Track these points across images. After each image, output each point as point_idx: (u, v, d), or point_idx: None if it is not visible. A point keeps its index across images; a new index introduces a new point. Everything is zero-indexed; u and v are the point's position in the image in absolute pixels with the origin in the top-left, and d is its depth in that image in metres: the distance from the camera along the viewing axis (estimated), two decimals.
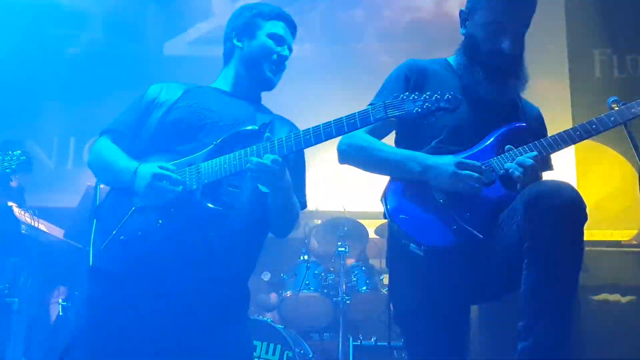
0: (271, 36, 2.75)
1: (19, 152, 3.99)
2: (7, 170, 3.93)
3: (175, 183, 2.36)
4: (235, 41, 2.81)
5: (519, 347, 2.16)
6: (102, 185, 4.74)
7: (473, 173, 2.42)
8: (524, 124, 2.63)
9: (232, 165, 2.38)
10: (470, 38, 2.72)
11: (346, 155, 2.68)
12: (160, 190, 2.35)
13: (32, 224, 4.76)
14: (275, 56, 2.74)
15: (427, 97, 2.30)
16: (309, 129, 2.37)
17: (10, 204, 4.69)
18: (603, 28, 6.22)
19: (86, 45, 6.81)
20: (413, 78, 2.73)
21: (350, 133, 2.65)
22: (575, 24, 6.41)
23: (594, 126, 2.53)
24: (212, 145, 2.44)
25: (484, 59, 2.67)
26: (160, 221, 2.35)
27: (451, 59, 2.85)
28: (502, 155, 2.53)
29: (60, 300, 4.61)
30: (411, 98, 2.30)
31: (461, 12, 2.78)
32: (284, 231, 2.69)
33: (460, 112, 2.59)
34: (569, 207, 2.18)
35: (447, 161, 2.46)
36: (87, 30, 6.89)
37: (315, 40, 6.60)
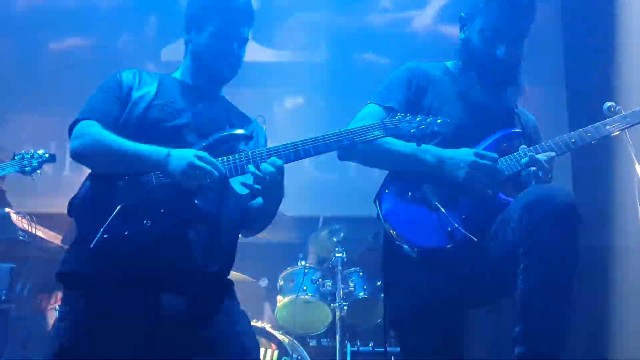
0: (216, 33, 2.60)
1: (44, 150, 4.03)
2: (27, 169, 3.96)
3: (215, 166, 2.31)
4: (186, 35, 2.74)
5: (515, 352, 2.17)
6: None
7: (491, 164, 2.44)
8: (520, 130, 2.65)
9: (227, 169, 2.35)
10: (467, 43, 2.73)
11: (348, 151, 2.65)
12: (203, 169, 2.27)
13: (29, 229, 4.76)
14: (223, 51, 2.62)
15: (422, 119, 2.35)
16: (306, 139, 2.36)
17: (7, 210, 4.69)
18: (600, 36, 6.23)
19: (84, 50, 6.81)
20: (415, 83, 2.74)
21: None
22: (572, 30, 6.43)
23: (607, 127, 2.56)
24: (203, 146, 2.41)
25: (479, 64, 2.68)
26: (148, 222, 2.28)
27: (450, 64, 2.86)
28: (502, 159, 2.54)
29: (57, 307, 4.59)
30: (407, 119, 2.36)
31: (460, 17, 2.79)
32: (254, 233, 2.70)
33: (456, 117, 2.61)
34: (564, 212, 2.18)
35: (465, 152, 2.47)
36: (85, 36, 6.89)
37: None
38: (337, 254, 5.15)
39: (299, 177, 4.82)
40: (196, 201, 2.34)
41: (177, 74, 2.74)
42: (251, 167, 2.33)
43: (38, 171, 4.09)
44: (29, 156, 4.01)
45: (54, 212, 5.68)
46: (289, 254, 5.34)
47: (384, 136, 2.36)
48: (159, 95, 2.56)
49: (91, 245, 2.22)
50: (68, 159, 6.43)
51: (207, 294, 2.41)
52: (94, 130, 2.43)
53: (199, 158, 2.28)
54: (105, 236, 2.23)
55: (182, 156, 2.29)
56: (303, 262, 5.24)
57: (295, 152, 2.35)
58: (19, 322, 4.27)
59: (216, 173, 2.28)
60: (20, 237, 4.74)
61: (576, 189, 5.76)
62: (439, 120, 2.36)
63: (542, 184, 2.44)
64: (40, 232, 4.93)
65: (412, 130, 2.34)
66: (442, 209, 2.45)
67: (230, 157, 2.38)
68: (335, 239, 5.33)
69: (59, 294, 5.15)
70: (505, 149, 2.58)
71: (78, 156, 2.47)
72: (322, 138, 2.36)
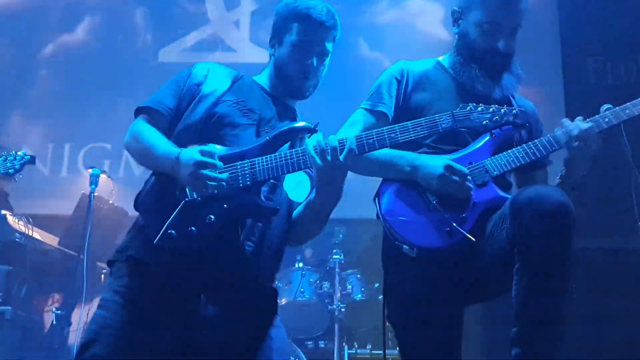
0: (296, 45, 2.52)
1: (23, 152, 4.01)
2: (11, 171, 3.94)
3: (220, 168, 2.22)
4: (270, 48, 2.64)
5: (512, 354, 2.16)
6: (96, 193, 4.77)
7: (458, 179, 2.41)
8: (519, 122, 2.62)
9: (290, 164, 2.25)
10: (464, 37, 2.71)
11: None
12: (205, 178, 2.18)
13: (26, 232, 4.75)
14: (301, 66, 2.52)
15: (495, 110, 2.28)
16: (371, 132, 2.27)
17: (4, 212, 4.68)
18: (596, 35, 6.24)
19: (82, 51, 6.80)
20: (404, 81, 2.73)
21: (344, 132, 2.65)
22: (569, 32, 6.44)
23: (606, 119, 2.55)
24: (264, 140, 2.32)
25: (479, 58, 2.67)
26: (211, 217, 2.20)
27: (443, 60, 2.84)
28: (497, 156, 2.53)
29: (54, 309, 4.58)
30: (479, 109, 2.27)
31: (453, 11, 2.77)
32: (302, 240, 2.62)
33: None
34: (556, 213, 2.17)
35: (436, 163, 2.45)
36: (82, 37, 6.88)
37: None
38: (335, 256, 5.15)
39: None
40: (259, 198, 2.26)
41: (258, 78, 2.67)
42: (310, 149, 2.21)
43: (20, 174, 4.06)
44: (11, 158, 3.99)
45: (51, 214, 5.71)
46: (286, 255, 5.31)
47: (454, 127, 2.31)
48: (231, 92, 2.51)
49: (155, 241, 2.18)
50: (66, 161, 6.45)
51: (250, 301, 2.35)
52: (139, 127, 2.42)
53: (201, 165, 2.19)
54: (171, 231, 2.19)
55: (186, 162, 2.21)
56: (301, 264, 5.24)
57: (360, 146, 2.24)
58: (15, 324, 4.26)
59: (220, 180, 2.20)
60: (17, 239, 4.73)
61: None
62: (514, 111, 2.29)
63: (535, 185, 2.42)
64: (37, 234, 4.92)
65: (484, 122, 2.27)
66: (441, 209, 2.45)
67: (287, 152, 2.27)
68: (333, 241, 5.33)
69: (56, 296, 5.15)
70: (503, 143, 2.56)
71: (127, 149, 2.47)
72: (387, 130, 2.27)
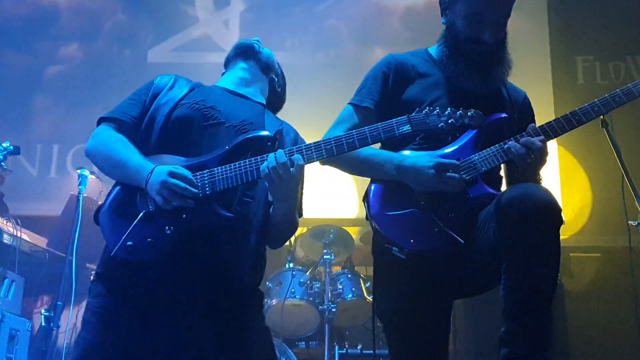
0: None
1: (7, 142, 3.97)
2: (2, 162, 3.92)
3: (192, 185, 2.24)
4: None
5: (501, 353, 2.16)
6: (85, 194, 4.75)
7: (454, 175, 2.40)
8: (505, 115, 2.60)
9: (247, 173, 2.28)
10: (451, 28, 2.70)
11: None
12: (176, 188, 2.21)
13: (15, 233, 4.72)
14: None
15: (451, 112, 2.28)
16: (329, 139, 2.30)
17: None
18: (586, 35, 6.27)
19: (69, 52, 6.77)
20: (392, 75, 2.71)
21: (331, 132, 2.64)
22: (559, 32, 6.46)
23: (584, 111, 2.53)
24: (225, 150, 2.33)
25: (465, 49, 2.65)
26: (170, 228, 2.23)
27: (432, 50, 2.83)
28: (485, 151, 2.51)
29: (42, 310, 4.55)
30: (435, 113, 2.28)
31: (441, 1, 2.76)
32: (279, 243, 2.61)
33: (441, 105, 2.59)
34: (541, 212, 2.16)
35: (425, 163, 2.44)
36: (70, 38, 6.85)
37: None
38: (325, 256, 5.14)
39: None
40: (218, 207, 2.27)
41: (218, 83, 2.74)
42: (263, 167, 2.25)
43: (3, 163, 4.02)
44: None
45: (40, 215, 5.67)
46: (277, 256, 5.32)
47: (411, 132, 2.31)
48: (189, 96, 2.55)
49: (111, 253, 2.23)
50: (54, 161, 6.41)
51: (228, 307, 2.34)
52: (105, 133, 2.46)
53: (175, 175, 2.23)
54: (129, 243, 2.22)
55: (159, 173, 2.24)
56: (291, 265, 5.23)
57: (318, 150, 2.28)
58: (3, 326, 4.22)
59: (192, 192, 2.22)
60: (5, 241, 4.69)
61: (564, 189, 5.79)
62: (469, 113, 2.30)
63: (520, 184, 2.40)
64: (26, 236, 4.89)
65: (440, 125, 2.27)
66: (429, 210, 2.44)
67: (245, 162, 2.30)
68: (323, 241, 5.32)
69: (45, 298, 5.12)
70: (491, 137, 2.54)
71: (88, 155, 2.48)
72: (345, 137, 2.30)
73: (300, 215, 2.62)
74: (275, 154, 2.25)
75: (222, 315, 2.32)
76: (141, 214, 2.25)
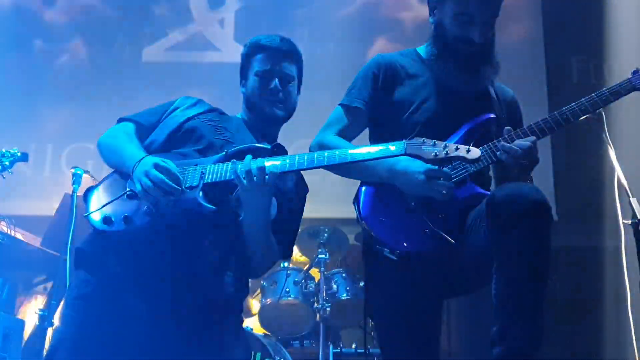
0: (258, 74, 2.66)
1: (16, 149, 3.97)
2: (9, 169, 3.91)
3: (174, 179, 2.28)
4: (241, 87, 2.77)
5: (493, 352, 2.17)
6: (79, 193, 4.73)
7: (444, 182, 2.40)
8: (493, 115, 2.61)
9: (234, 171, 2.30)
10: (439, 28, 2.71)
11: None
12: (155, 179, 2.26)
13: (9, 232, 4.70)
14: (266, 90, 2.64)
15: (448, 145, 2.23)
16: (322, 152, 2.31)
17: None
18: (581, 36, 6.28)
19: (64, 52, 6.75)
20: (382, 76, 2.72)
21: (322, 134, 2.65)
22: (553, 32, 6.47)
23: (579, 108, 2.55)
24: (222, 154, 2.39)
25: (453, 49, 2.66)
26: (151, 207, 2.29)
27: (421, 49, 2.83)
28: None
29: (37, 310, 4.54)
30: (432, 143, 2.24)
31: (429, 1, 2.77)
32: (255, 271, 2.59)
33: (431, 106, 2.60)
34: (532, 210, 2.17)
35: (416, 169, 2.44)
36: (64, 38, 6.83)
37: None
38: (320, 255, 5.14)
39: None
40: (202, 197, 2.30)
41: (239, 115, 2.78)
42: (253, 163, 2.26)
43: (9, 170, 4.02)
44: (0, 154, 3.94)
45: (34, 215, 5.66)
46: None
47: (404, 154, 2.25)
48: (205, 114, 2.65)
49: (85, 215, 2.33)
50: (48, 161, 6.40)
51: (197, 301, 2.35)
52: (119, 127, 2.60)
53: (158, 167, 2.29)
54: (107, 214, 2.31)
55: (145, 162, 2.32)
56: (285, 264, 5.23)
57: (311, 162, 2.29)
58: None
59: (169, 185, 2.26)
60: None
61: (558, 189, 5.80)
62: (467, 148, 2.22)
63: (510, 183, 2.41)
64: (20, 235, 4.87)
65: (433, 154, 2.21)
66: (420, 211, 2.44)
67: (238, 163, 2.32)
68: (318, 240, 5.32)
69: (39, 297, 5.10)
70: (480, 137, 2.55)
71: (98, 147, 2.58)
72: (339, 154, 2.29)
73: (287, 256, 2.65)
74: (252, 159, 2.27)
75: (194, 304, 2.33)
76: (127, 190, 2.34)
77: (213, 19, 6.96)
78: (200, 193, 2.30)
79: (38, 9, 6.91)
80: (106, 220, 2.31)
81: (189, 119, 2.59)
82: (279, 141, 2.58)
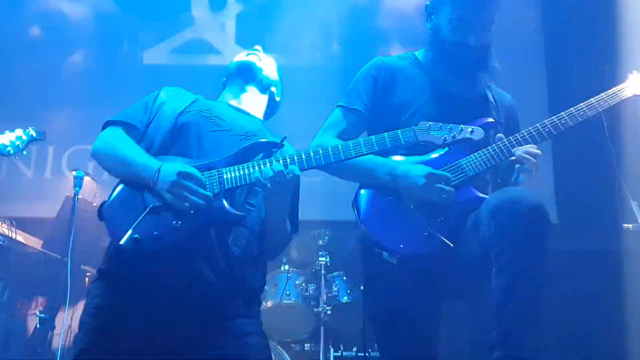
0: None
1: (32, 127, 3.97)
2: (23, 151, 3.91)
3: (201, 185, 2.28)
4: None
5: (493, 357, 2.17)
6: (80, 196, 4.74)
7: (444, 186, 2.41)
8: (492, 120, 2.62)
9: (255, 174, 2.31)
10: (436, 33, 2.72)
11: None
12: (187, 189, 2.25)
13: (10, 235, 4.71)
14: None
15: (453, 127, 2.30)
16: (337, 145, 2.34)
17: None
18: (580, 39, 6.28)
19: (64, 54, 6.76)
20: (381, 79, 2.73)
21: (321, 136, 2.65)
22: (553, 35, 6.47)
23: (579, 111, 2.56)
24: (233, 152, 2.39)
25: (450, 54, 2.67)
26: (178, 222, 2.25)
27: (419, 53, 2.84)
28: (473, 155, 2.52)
29: (37, 312, 4.54)
30: (438, 126, 2.30)
31: (426, 6, 2.78)
32: (274, 253, 2.65)
33: (428, 110, 2.60)
34: (530, 215, 2.18)
35: (417, 172, 2.44)
36: (65, 40, 6.83)
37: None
38: (320, 258, 5.14)
39: None
40: (228, 205, 2.30)
41: (220, 98, 2.82)
42: (256, 173, 2.30)
43: (25, 151, 4.02)
44: (19, 136, 3.95)
45: (35, 217, 5.66)
46: None
47: (414, 141, 2.30)
48: (194, 105, 2.64)
49: (121, 242, 2.21)
50: (50, 163, 6.39)
51: (222, 306, 2.36)
52: (112, 134, 2.52)
53: (185, 176, 2.26)
54: (136, 236, 2.21)
55: (168, 173, 2.28)
56: (286, 267, 5.23)
57: (326, 156, 2.33)
58: None
59: (202, 194, 2.26)
60: (0, 243, 4.68)
61: (559, 192, 5.80)
62: (470, 129, 2.30)
63: (508, 188, 2.42)
64: (21, 237, 4.88)
65: (443, 137, 2.29)
66: (419, 214, 2.45)
67: (253, 163, 2.36)
68: (318, 243, 5.32)
69: (40, 299, 5.10)
70: (478, 141, 2.56)
71: (94, 155, 2.53)
72: (353, 145, 2.34)
73: (296, 230, 2.65)
74: (270, 165, 2.29)
75: (221, 316, 2.33)
76: (149, 207, 2.27)
77: (214, 21, 6.96)
78: (224, 200, 2.31)
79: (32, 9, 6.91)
80: (137, 242, 2.22)
81: (180, 114, 2.57)
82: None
